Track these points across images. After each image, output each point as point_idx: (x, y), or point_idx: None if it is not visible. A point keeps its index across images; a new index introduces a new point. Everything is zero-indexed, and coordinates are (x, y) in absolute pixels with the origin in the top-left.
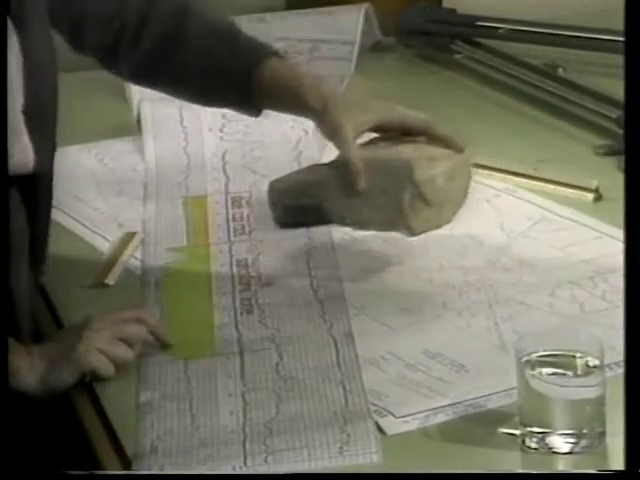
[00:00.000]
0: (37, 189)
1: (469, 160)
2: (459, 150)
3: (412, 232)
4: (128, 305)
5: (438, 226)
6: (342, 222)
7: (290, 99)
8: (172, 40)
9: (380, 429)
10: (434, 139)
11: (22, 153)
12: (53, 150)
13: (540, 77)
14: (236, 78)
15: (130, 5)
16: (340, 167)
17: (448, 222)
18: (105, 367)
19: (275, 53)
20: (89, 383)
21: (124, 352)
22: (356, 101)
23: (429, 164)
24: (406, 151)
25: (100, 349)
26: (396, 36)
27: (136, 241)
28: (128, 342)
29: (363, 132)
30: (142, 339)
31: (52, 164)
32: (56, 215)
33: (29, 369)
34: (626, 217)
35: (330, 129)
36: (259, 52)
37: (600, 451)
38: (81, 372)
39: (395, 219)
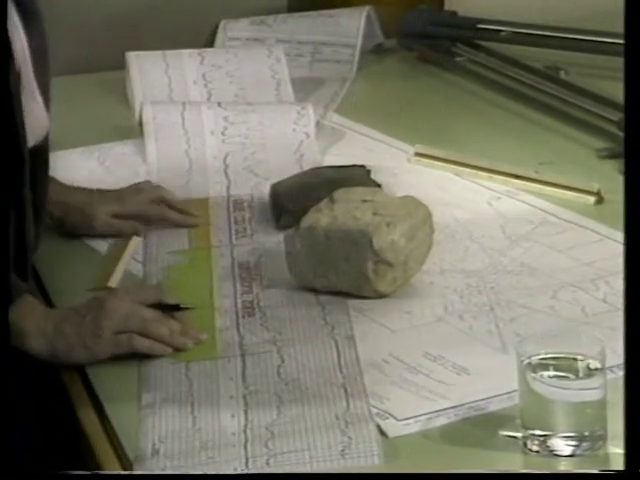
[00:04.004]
0: (38, 159)
1: (428, 213)
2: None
3: (380, 295)
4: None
5: (405, 282)
6: (311, 287)
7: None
8: None
9: (382, 432)
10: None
11: (39, 114)
12: (49, 117)
13: (541, 80)
14: None
15: None
16: (303, 236)
17: (416, 273)
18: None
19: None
20: (90, 383)
21: (140, 345)
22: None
23: (387, 229)
24: (364, 217)
25: (118, 337)
26: (397, 39)
27: (133, 244)
28: (147, 337)
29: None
30: (164, 340)
31: (48, 137)
32: None
33: (39, 335)
34: (626, 220)
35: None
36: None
37: (601, 454)
38: (95, 360)
39: (361, 284)
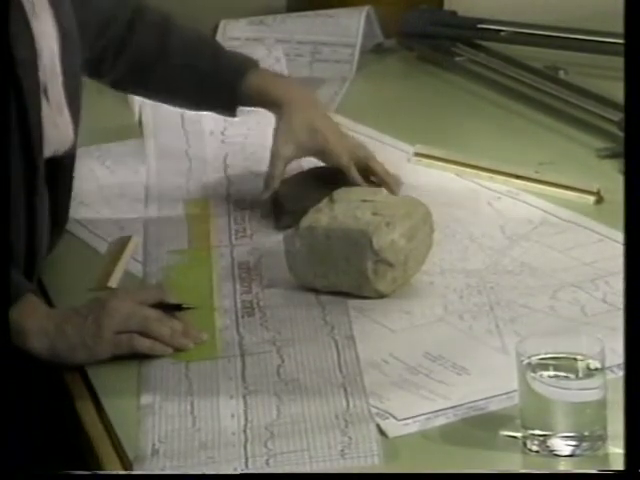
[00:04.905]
0: (61, 168)
1: (428, 213)
2: (391, 191)
3: (380, 295)
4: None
5: (405, 281)
6: (311, 286)
7: (267, 99)
8: (155, 52)
9: (381, 432)
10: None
11: (64, 126)
12: (77, 130)
13: (541, 80)
14: (222, 87)
15: (119, 18)
16: (303, 236)
17: (416, 273)
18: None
19: (255, 64)
20: (91, 383)
21: (141, 345)
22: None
23: (387, 229)
24: (364, 217)
25: (119, 337)
26: (397, 38)
27: (132, 244)
28: (149, 336)
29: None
30: (165, 340)
31: (75, 148)
32: None
33: (40, 335)
34: (626, 220)
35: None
36: (243, 63)
37: (601, 454)
38: (95, 360)
39: (361, 284)
